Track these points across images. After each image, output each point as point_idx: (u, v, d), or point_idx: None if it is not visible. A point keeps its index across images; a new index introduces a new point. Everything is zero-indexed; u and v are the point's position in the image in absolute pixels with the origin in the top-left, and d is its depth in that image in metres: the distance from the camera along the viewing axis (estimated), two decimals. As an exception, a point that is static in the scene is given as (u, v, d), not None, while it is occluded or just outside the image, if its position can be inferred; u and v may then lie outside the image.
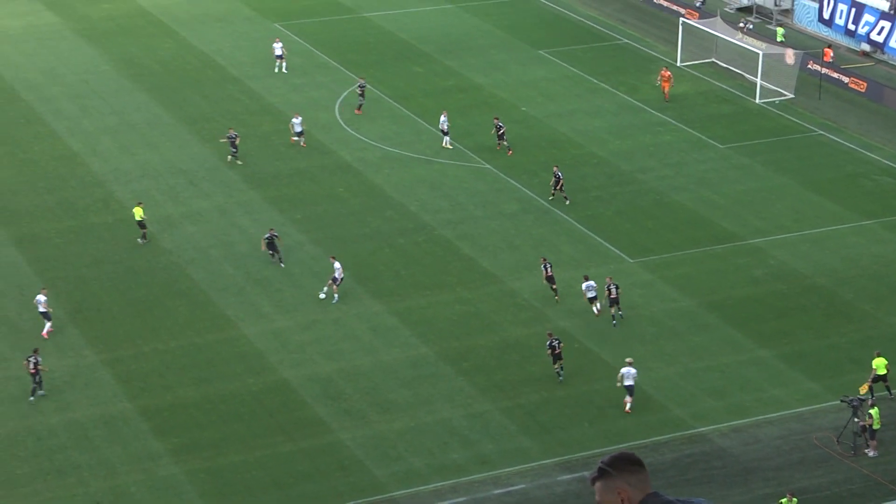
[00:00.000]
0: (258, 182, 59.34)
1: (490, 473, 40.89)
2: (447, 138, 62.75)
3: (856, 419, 40.69)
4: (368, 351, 46.68)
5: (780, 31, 77.09)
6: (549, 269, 48.92)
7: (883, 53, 74.38)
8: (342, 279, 49.18)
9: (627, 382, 42.93)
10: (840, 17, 75.90)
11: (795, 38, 77.50)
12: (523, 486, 40.30)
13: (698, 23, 74.63)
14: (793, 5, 79.88)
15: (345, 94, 69.32)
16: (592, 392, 44.36)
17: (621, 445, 41.55)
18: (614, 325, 47.71)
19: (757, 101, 68.91)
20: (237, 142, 60.48)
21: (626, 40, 77.83)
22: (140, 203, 54.26)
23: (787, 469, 40.90)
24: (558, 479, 40.57)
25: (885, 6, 73.21)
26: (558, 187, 56.77)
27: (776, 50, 71.57)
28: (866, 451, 40.98)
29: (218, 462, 41.16)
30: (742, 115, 67.57)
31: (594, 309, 48.10)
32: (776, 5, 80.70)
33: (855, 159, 62.66)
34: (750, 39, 72.11)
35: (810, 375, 45.43)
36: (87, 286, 50.21)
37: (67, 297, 49.58)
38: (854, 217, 56.65)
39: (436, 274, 51.60)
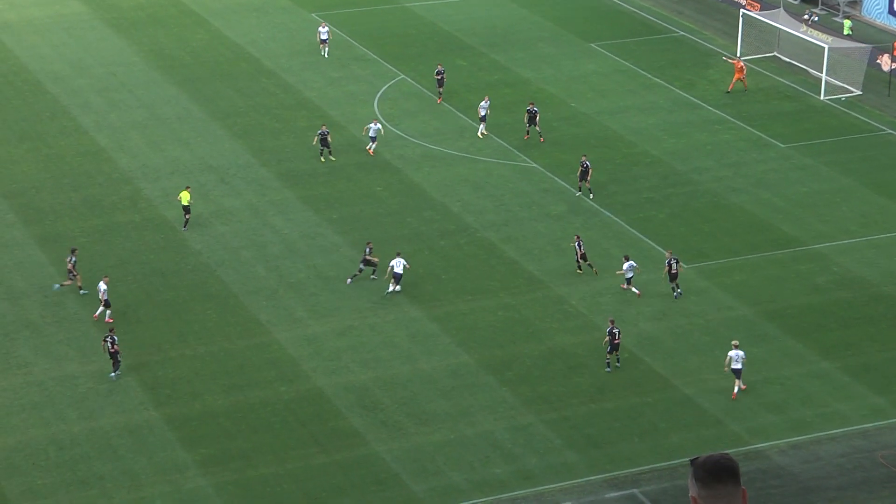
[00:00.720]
0: (292, 180, 59.56)
1: (534, 490, 40.83)
2: (482, 126, 63.17)
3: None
4: (406, 359, 46.74)
5: (847, 23, 76.56)
6: (581, 248, 50.82)
7: (957, 48, 73.61)
8: (400, 275, 49.80)
9: (735, 366, 44.11)
10: (911, 9, 75.29)
11: (864, 32, 76.93)
12: (569, 503, 40.21)
13: (760, 14, 74.26)
14: (861, -4, 79.31)
15: (384, 87, 69.48)
16: (643, 405, 44.23)
17: (673, 462, 41.42)
18: (677, 296, 49.48)
19: (821, 97, 68.46)
20: (329, 139, 60.56)
21: (683, 33, 77.54)
22: (188, 187, 55.64)
23: (849, 489, 40.59)
24: (606, 496, 40.47)
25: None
26: (586, 179, 57.02)
27: (843, 44, 71.11)
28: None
29: (248, 474, 41.34)
30: (805, 112, 67.14)
31: (633, 291, 49.75)
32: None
33: (926, 160, 62.14)
34: (815, 32, 71.67)
35: (876, 389, 45.08)
36: (113, 288, 50.47)
37: (92, 299, 49.94)
38: (924, 222, 56.19)
39: (478, 278, 51.60)
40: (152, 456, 42.01)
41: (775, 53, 73.36)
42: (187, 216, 54.52)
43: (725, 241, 54.56)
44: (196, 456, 41.92)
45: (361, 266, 51.02)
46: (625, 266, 49.82)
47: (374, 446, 42.24)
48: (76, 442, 42.66)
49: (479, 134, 63.32)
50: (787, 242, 54.38)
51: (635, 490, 40.64)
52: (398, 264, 49.84)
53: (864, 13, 79.79)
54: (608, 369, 45.61)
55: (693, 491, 8.99)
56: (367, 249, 51.17)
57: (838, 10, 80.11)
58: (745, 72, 68.95)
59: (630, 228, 55.40)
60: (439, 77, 67.46)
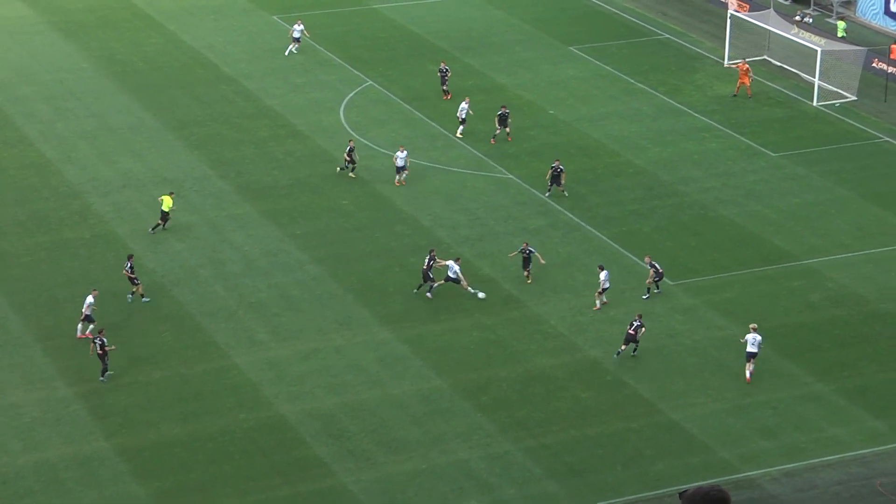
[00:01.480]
0: (253, 193, 59.44)
1: (511, 522, 40.75)
2: (462, 128, 64.00)
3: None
4: (375, 383, 46.62)
5: (841, 24, 76.99)
6: (527, 253, 51.79)
7: (957, 50, 74.09)
8: (460, 279, 50.64)
9: (751, 349, 45.95)
10: (909, 10, 75.77)
11: (859, 33, 77.38)
12: (548, 536, 40.11)
13: (749, 16, 74.60)
14: (855, -4, 79.78)
15: (351, 94, 69.46)
16: (627, 430, 44.21)
17: (659, 492, 41.39)
18: (646, 298, 50.86)
19: (814, 103, 68.76)
20: (355, 155, 60.27)
21: (668, 35, 77.81)
22: (171, 193, 56.28)
23: (847, 519, 40.64)
24: (588, 528, 40.38)
25: (960, -3, 73.01)
26: (559, 183, 58.11)
27: (837, 46, 71.48)
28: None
29: (205, 508, 41.12)
30: (797, 119, 67.42)
31: (598, 302, 50.37)
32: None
33: (925, 169, 62.48)
34: (807, 35, 72.03)
35: (874, 413, 45.18)
36: (61, 310, 50.23)
37: (37, 321, 49.66)
38: (924, 234, 56.46)
39: (451, 297, 51.54)
40: (103, 490, 41.73)
41: (765, 57, 73.69)
42: (163, 222, 55.34)
43: (714, 256, 54.67)
44: (150, 489, 41.66)
45: (433, 277, 51.39)
46: (602, 276, 49.98)
47: (341, 477, 42.10)
48: (20, 475, 42.32)
49: (457, 134, 64.02)
50: (778, 257, 54.52)
51: (619, 522, 40.63)
52: (450, 268, 50.82)
53: (858, 14, 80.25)
54: (616, 355, 47.42)
55: None
56: (429, 260, 51.32)
57: (832, 11, 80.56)
58: (751, 74, 69.24)
59: (612, 243, 55.45)
60: (441, 74, 68.29)
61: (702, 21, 79.75)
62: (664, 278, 51.28)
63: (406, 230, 56.50)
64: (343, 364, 47.65)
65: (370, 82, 71.04)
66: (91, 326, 48.27)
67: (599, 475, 42.30)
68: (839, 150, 64.09)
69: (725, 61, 73.19)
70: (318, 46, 75.36)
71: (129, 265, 50.68)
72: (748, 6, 78.57)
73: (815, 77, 69.15)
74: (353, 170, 60.21)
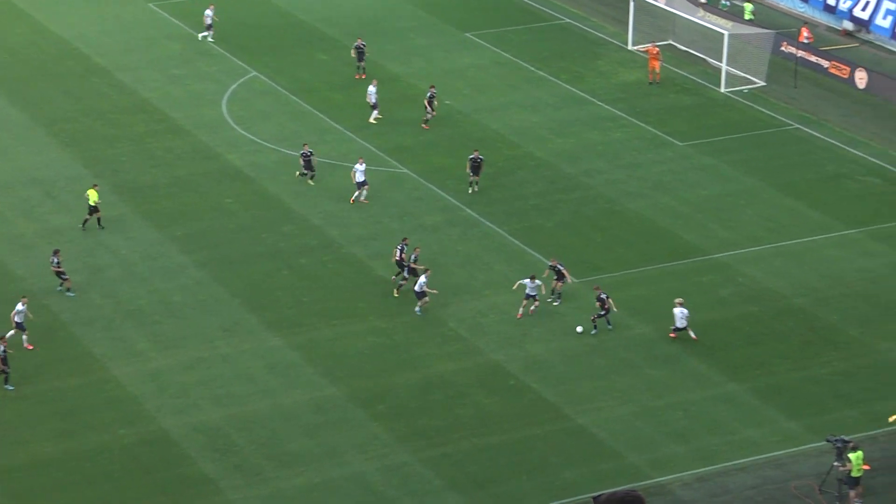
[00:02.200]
0: (130, 193, 58.97)
1: (411, 537, 40.82)
2: (375, 112, 64.64)
3: (836, 463, 41.10)
4: (265, 393, 46.47)
5: (748, 7, 78.06)
6: (402, 254, 51.41)
7: (868, 32, 75.52)
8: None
9: (679, 324, 48.59)
10: (818, -9, 76.99)
11: (767, 16, 78.49)
12: (451, 551, 40.26)
13: (653, -1, 75.30)
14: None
15: (234, 86, 69.13)
16: (532, 437, 44.46)
17: (566, 501, 41.68)
18: (557, 304, 51.11)
19: (722, 90, 69.62)
20: (313, 160, 59.49)
21: (569, 20, 78.34)
22: (95, 185, 56.33)
23: (762, 524, 41.21)
24: (492, 542, 40.56)
25: (870, -23, 74.40)
26: (477, 174, 58.39)
27: (744, 29, 72.45)
28: (856, 500, 41.40)
29: (83, 531, 40.76)
30: (705, 106, 68.21)
31: (521, 309, 50.25)
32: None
33: (837, 157, 63.48)
34: (713, 18, 72.92)
35: (788, 413, 45.81)
36: (-77, 322, 49.45)
37: None
38: (837, 225, 57.35)
39: (345, 300, 51.50)
40: (-29, 514, 41.20)
41: (671, 42, 74.49)
42: (97, 214, 55.64)
43: (620, 252, 55.15)
44: (23, 513, 41.21)
45: (406, 275, 51.26)
46: (530, 285, 49.90)
47: (229, 494, 41.92)
48: None
49: (371, 120, 64.69)
50: (687, 252, 55.12)
51: (525, 534, 40.86)
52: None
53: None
54: (594, 331, 49.05)
55: None
56: (414, 257, 51.25)
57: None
58: (660, 58, 69.75)
59: (514, 240, 55.72)
60: (359, 51, 68.73)
61: (604, 4, 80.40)
62: (567, 279, 51.16)
63: (295, 230, 56.35)
64: (230, 373, 47.43)
65: (254, 73, 70.74)
66: (24, 336, 48.28)
67: (504, 485, 42.49)
68: (749, 139, 64.94)
69: (629, 46, 73.82)
70: (196, 35, 74.83)
71: (55, 259, 51.19)
72: (652, -11, 79.34)
73: (722, 62, 70.01)
74: (311, 177, 59.61)
